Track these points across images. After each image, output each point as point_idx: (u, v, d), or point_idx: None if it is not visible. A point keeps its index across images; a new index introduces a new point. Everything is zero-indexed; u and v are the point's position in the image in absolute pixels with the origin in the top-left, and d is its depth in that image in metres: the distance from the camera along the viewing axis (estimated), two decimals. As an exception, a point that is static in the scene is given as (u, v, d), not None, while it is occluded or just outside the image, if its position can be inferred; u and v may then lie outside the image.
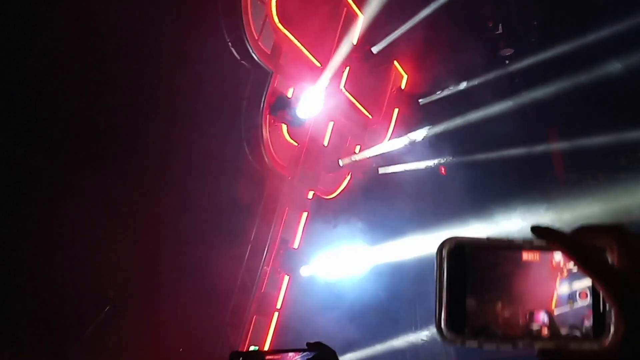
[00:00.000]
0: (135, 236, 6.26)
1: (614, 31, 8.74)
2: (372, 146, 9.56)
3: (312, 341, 1.68)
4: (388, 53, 9.22)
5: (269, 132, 7.52)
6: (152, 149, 6.57)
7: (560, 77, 9.72)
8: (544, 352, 0.73)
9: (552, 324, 0.74)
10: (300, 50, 7.97)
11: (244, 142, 7.39)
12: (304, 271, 8.07)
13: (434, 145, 9.74)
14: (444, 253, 0.72)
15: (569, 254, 0.74)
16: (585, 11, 9.21)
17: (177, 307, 6.33)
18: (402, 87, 10.19)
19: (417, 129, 9.21)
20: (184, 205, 6.74)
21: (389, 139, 9.87)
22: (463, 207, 10.30)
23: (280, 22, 7.55)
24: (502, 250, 0.74)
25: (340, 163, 8.71)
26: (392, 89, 9.93)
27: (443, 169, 10.46)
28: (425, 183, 9.94)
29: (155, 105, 6.55)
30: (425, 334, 9.93)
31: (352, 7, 8.76)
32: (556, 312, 0.74)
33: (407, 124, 10.04)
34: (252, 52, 7.15)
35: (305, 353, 1.65)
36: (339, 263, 8.43)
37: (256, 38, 7.16)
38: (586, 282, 0.76)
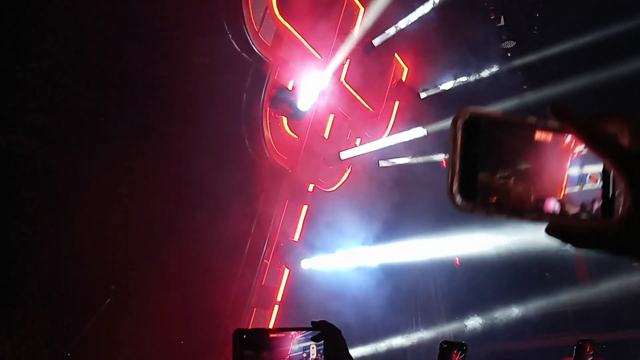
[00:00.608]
0: (136, 229, 6.27)
1: (617, 23, 8.70)
2: (373, 139, 9.55)
3: (316, 320, 1.69)
4: (389, 45, 9.18)
5: (269, 124, 7.51)
6: (152, 142, 6.56)
7: (564, 69, 9.67)
8: (552, 227, 0.75)
9: (562, 203, 0.75)
10: (301, 42, 7.94)
11: (244, 134, 7.38)
12: (305, 264, 8.07)
13: (435, 139, 9.71)
14: (459, 124, 0.73)
15: (581, 134, 0.74)
16: (590, 1, 9.15)
17: (178, 299, 6.35)
18: (403, 79, 10.16)
19: (417, 127, 9.17)
20: (184, 198, 6.74)
21: (390, 133, 9.85)
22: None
23: (280, 14, 7.52)
24: (516, 128, 0.75)
25: (341, 156, 8.69)
26: (392, 81, 9.89)
27: (445, 162, 10.45)
28: (426, 176, 9.92)
29: (155, 98, 6.54)
30: (425, 333, 9.97)
31: (353, -1, 8.74)
32: (566, 192, 0.75)
33: (408, 117, 10.01)
34: (253, 44, 7.12)
35: (309, 331, 1.66)
36: (339, 257, 8.43)
37: (256, 30, 7.14)
38: (597, 167, 0.77)
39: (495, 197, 0.72)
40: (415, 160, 9.83)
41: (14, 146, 5.68)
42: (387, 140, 9.30)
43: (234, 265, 7.40)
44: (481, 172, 0.72)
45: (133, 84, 6.35)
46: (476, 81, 10.17)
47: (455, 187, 0.72)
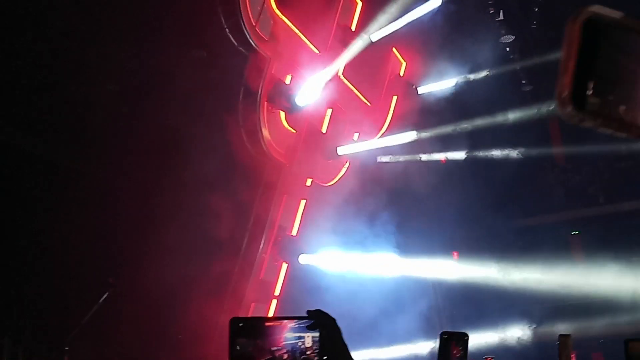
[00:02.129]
0: (135, 223, 6.28)
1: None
2: (371, 133, 9.55)
3: (312, 309, 1.70)
4: (387, 40, 9.16)
5: (267, 119, 7.50)
6: (149, 137, 6.56)
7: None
8: None
9: None
10: (298, 36, 7.93)
11: (241, 129, 7.37)
12: (303, 259, 8.08)
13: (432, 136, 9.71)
14: (578, 22, 0.69)
15: None
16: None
17: (176, 293, 6.36)
18: (401, 74, 10.15)
19: (410, 129, 9.16)
20: (182, 192, 6.74)
21: (388, 127, 9.85)
22: (463, 198, 10.32)
23: (278, 8, 7.51)
24: (636, 35, 0.70)
25: (339, 151, 8.68)
26: (390, 76, 9.88)
27: (444, 160, 10.45)
28: (424, 172, 9.93)
29: (152, 93, 6.53)
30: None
31: (350, -6, 8.71)
32: None
33: (406, 112, 10.01)
34: (250, 38, 7.10)
35: (305, 320, 1.67)
36: (337, 251, 8.44)
37: (254, 24, 7.11)
38: None
39: (606, 109, 0.68)
40: (413, 156, 9.83)
41: (13, 141, 5.68)
42: (384, 140, 9.28)
43: (232, 259, 7.41)
44: (595, 80, 0.68)
45: (129, 79, 6.34)
46: (474, 76, 10.16)
47: (566, 94, 0.68)
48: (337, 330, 1.69)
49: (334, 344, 1.68)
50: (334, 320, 1.70)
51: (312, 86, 7.92)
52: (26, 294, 5.51)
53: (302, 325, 1.66)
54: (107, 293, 5.40)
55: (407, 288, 9.76)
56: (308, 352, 1.66)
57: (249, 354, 1.62)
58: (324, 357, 1.66)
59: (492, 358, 5.84)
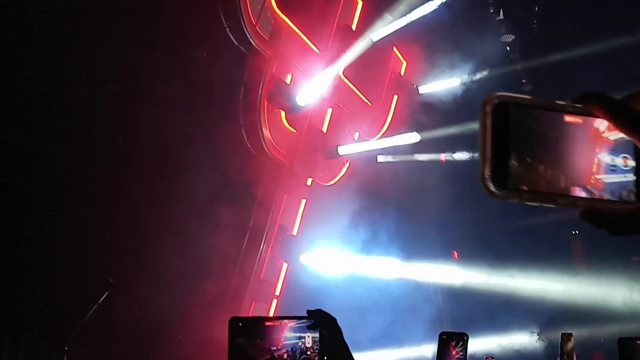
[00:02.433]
0: (135, 223, 6.26)
1: (615, 12, 8.67)
2: (371, 132, 9.54)
3: (312, 309, 1.69)
4: (387, 39, 9.15)
5: (267, 118, 7.49)
6: (149, 137, 6.55)
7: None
8: (586, 213, 0.73)
9: (594, 187, 0.74)
10: (299, 36, 7.91)
11: (241, 128, 7.36)
12: (303, 259, 8.07)
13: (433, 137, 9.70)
14: (488, 109, 0.71)
15: (608, 113, 0.73)
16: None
17: (177, 293, 6.35)
18: (402, 73, 10.13)
19: (412, 131, 9.13)
20: (182, 192, 6.73)
21: (388, 127, 9.83)
22: (463, 197, 10.29)
23: (278, 7, 7.50)
24: (545, 112, 0.73)
25: (339, 151, 8.66)
26: (391, 75, 9.87)
27: (444, 159, 10.43)
28: (424, 172, 9.92)
29: (152, 92, 6.52)
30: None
31: (351, -7, 8.70)
32: (598, 176, 0.74)
33: (407, 111, 10.00)
34: (250, 37, 7.10)
35: (305, 320, 1.66)
36: (338, 252, 8.43)
37: (254, 23, 7.11)
38: (628, 149, 0.76)
39: (528, 184, 0.71)
40: (413, 157, 9.81)
41: (12, 141, 5.67)
42: (384, 141, 9.26)
43: (232, 259, 7.39)
44: (513, 158, 0.70)
45: (129, 78, 6.33)
46: (474, 75, 10.14)
47: (487, 174, 0.70)
48: (338, 330, 1.68)
49: (334, 343, 1.66)
50: (335, 319, 1.69)
51: (313, 85, 7.91)
52: (26, 294, 5.49)
53: (302, 325, 1.64)
54: (106, 293, 5.38)
55: (408, 289, 9.75)
56: (308, 352, 1.64)
57: (249, 354, 1.60)
58: (325, 357, 1.64)
59: (492, 358, 5.82)
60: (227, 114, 7.32)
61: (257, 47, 7.24)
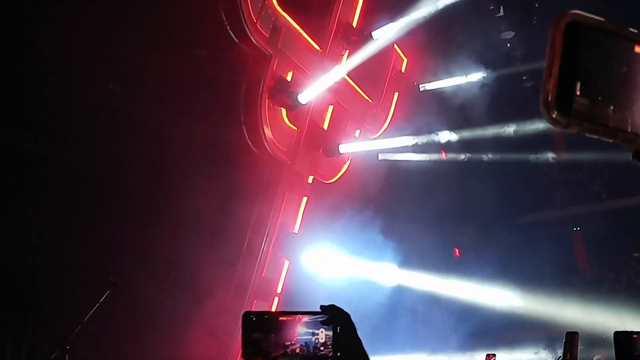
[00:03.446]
0: (136, 221, 6.25)
1: (615, 9, 8.65)
2: (372, 129, 9.53)
3: (325, 304, 1.67)
4: (388, 37, 9.11)
5: (268, 116, 7.47)
6: (151, 134, 6.53)
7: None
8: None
9: None
10: (300, 33, 7.89)
11: (243, 126, 7.34)
12: (305, 257, 8.06)
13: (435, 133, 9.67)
14: (561, 25, 0.68)
15: None
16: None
17: (178, 291, 6.34)
18: (403, 70, 10.11)
19: (413, 127, 9.12)
20: (184, 189, 6.71)
21: (389, 124, 9.82)
22: (464, 194, 10.29)
23: (279, 4, 7.47)
24: (618, 39, 0.70)
25: (340, 150, 8.64)
26: (392, 72, 9.85)
27: (444, 153, 10.41)
28: (426, 170, 9.90)
29: (153, 90, 6.50)
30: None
31: (351, -10, 8.67)
32: None
33: (407, 109, 9.98)
34: (251, 35, 7.07)
35: (319, 315, 1.64)
36: (339, 249, 8.42)
37: (255, 21, 7.08)
38: None
39: (591, 115, 0.68)
40: (414, 155, 9.78)
41: (12, 140, 5.66)
42: (385, 142, 9.24)
43: (234, 257, 7.38)
44: (579, 83, 0.67)
45: (131, 76, 6.31)
46: (475, 72, 10.12)
47: (551, 98, 0.67)
48: (351, 326, 1.66)
49: (348, 339, 1.65)
50: (348, 315, 1.67)
51: (314, 83, 7.89)
52: (28, 293, 5.48)
53: (316, 320, 1.63)
54: (108, 292, 5.36)
55: (407, 291, 9.70)
56: (322, 348, 1.63)
57: (263, 349, 1.59)
58: (338, 353, 1.63)
59: (494, 355, 5.82)
60: (228, 111, 7.30)
61: (258, 45, 7.22)
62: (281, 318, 1.63)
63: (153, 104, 6.40)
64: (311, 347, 1.61)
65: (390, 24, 8.67)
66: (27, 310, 5.53)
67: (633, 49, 0.70)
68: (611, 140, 0.70)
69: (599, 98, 0.68)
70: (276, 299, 7.78)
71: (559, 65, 0.67)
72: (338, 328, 1.64)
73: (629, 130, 0.70)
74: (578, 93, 0.67)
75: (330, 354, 1.62)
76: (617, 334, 3.59)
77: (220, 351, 6.76)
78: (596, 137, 0.69)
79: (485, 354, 5.52)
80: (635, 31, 0.71)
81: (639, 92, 0.70)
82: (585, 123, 0.68)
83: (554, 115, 0.67)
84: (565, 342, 3.90)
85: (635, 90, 0.70)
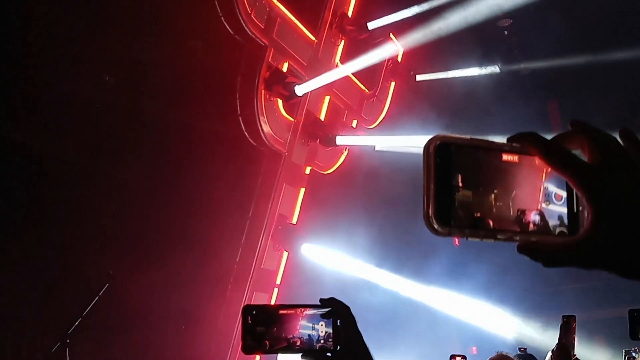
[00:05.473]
0: (134, 214, 6.24)
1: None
2: (369, 120, 9.51)
3: (325, 298, 1.68)
4: (384, 25, 9.08)
5: (265, 107, 7.44)
6: (147, 127, 6.51)
7: (561, 47, 9.62)
8: (522, 246, 0.77)
9: (529, 222, 0.79)
10: (295, 24, 7.86)
11: (239, 117, 7.32)
12: (304, 248, 8.06)
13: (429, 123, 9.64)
14: (431, 150, 0.76)
15: (541, 152, 0.77)
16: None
17: (177, 283, 6.34)
18: (399, 60, 10.07)
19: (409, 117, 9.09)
20: (180, 183, 6.70)
21: (386, 114, 9.80)
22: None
23: (273, -5, 7.43)
24: (484, 151, 0.78)
25: (337, 141, 8.61)
26: (388, 62, 9.81)
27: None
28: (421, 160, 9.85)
29: (148, 82, 6.47)
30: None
31: (347, -21, 8.62)
32: (533, 211, 0.79)
33: (404, 99, 9.96)
34: (246, 26, 7.03)
35: (318, 308, 1.65)
36: (338, 239, 8.41)
37: (249, 12, 7.04)
38: (561, 185, 0.81)
39: (469, 221, 0.75)
40: (410, 146, 9.75)
41: (11, 136, 5.64)
42: (382, 140, 9.21)
43: (232, 249, 7.39)
44: (454, 195, 0.75)
45: (125, 68, 6.28)
46: (473, 62, 10.09)
47: (431, 212, 0.74)
48: (351, 319, 1.67)
49: (348, 332, 1.65)
50: (348, 308, 1.68)
51: (310, 74, 7.86)
52: (27, 287, 5.48)
53: (315, 313, 1.63)
54: (106, 285, 5.37)
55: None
56: (322, 341, 1.63)
57: (263, 342, 1.59)
58: (338, 346, 1.63)
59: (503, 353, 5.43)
60: (223, 103, 7.28)
61: (253, 36, 7.18)
62: (281, 311, 1.63)
63: (148, 96, 6.37)
64: (311, 340, 1.62)
65: (387, 16, 8.64)
66: (26, 305, 5.54)
67: (501, 157, 0.79)
68: (493, 241, 0.77)
69: (475, 206, 0.75)
70: (275, 290, 7.80)
71: (434, 184, 0.74)
72: (338, 321, 1.64)
73: (508, 229, 0.77)
74: (454, 204, 0.74)
75: (331, 346, 1.63)
76: (632, 311, 3.61)
77: (220, 344, 6.79)
78: (478, 239, 0.76)
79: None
80: (500, 142, 0.79)
81: (511, 194, 0.78)
82: (465, 230, 0.75)
83: (435, 227, 0.74)
84: (561, 325, 3.84)
85: (508, 193, 0.78)
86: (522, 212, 0.78)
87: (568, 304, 10.57)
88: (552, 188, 0.81)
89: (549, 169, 0.79)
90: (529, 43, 10.43)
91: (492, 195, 0.76)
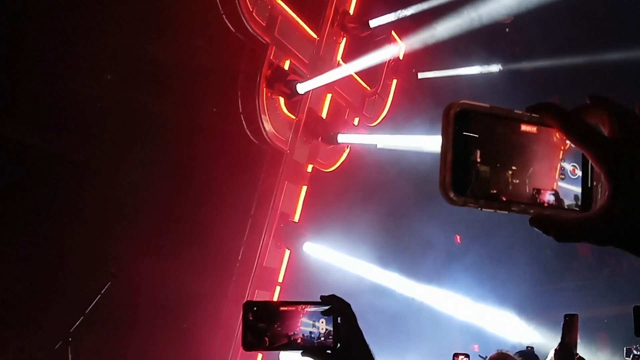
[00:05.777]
0: (136, 212, 6.25)
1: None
2: (371, 117, 9.50)
3: (326, 295, 1.67)
4: (386, 23, 9.06)
5: (267, 105, 7.44)
6: (150, 126, 6.52)
7: (562, 45, 9.60)
8: (535, 219, 0.76)
9: (544, 195, 0.78)
10: (296, 21, 7.85)
11: (240, 115, 7.32)
12: (306, 246, 8.06)
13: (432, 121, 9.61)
14: (450, 116, 0.75)
15: (559, 124, 0.76)
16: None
17: (179, 282, 6.35)
18: (401, 57, 10.05)
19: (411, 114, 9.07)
20: (182, 180, 6.71)
21: (388, 112, 9.78)
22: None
23: (275, -7, 7.42)
24: (504, 120, 0.77)
25: (339, 139, 8.60)
26: (390, 60, 9.79)
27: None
28: (424, 159, 9.86)
29: (151, 81, 6.48)
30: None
31: (348, -23, 8.61)
32: (549, 184, 0.78)
33: (406, 97, 9.94)
34: (247, 24, 7.03)
35: (319, 305, 1.64)
36: (340, 238, 8.41)
37: (251, 10, 7.04)
38: (578, 158, 0.80)
39: (485, 191, 0.74)
40: (411, 146, 9.74)
41: (12, 134, 5.64)
42: (383, 139, 9.19)
43: (235, 247, 7.40)
44: (471, 165, 0.74)
45: (128, 66, 6.28)
46: (474, 59, 10.08)
47: (447, 181, 0.74)
48: (352, 316, 1.67)
49: (349, 329, 1.65)
50: (349, 305, 1.67)
51: (311, 71, 7.85)
52: (30, 285, 5.49)
53: (316, 310, 1.63)
54: (109, 283, 5.38)
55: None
56: (322, 338, 1.63)
57: (264, 339, 1.59)
58: (338, 343, 1.63)
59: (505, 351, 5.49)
60: (225, 101, 7.28)
61: (255, 34, 7.18)
62: (282, 308, 1.63)
63: (149, 95, 6.37)
64: (312, 337, 1.61)
65: (389, 14, 8.61)
66: (28, 303, 5.55)
67: (519, 127, 0.77)
68: (507, 212, 0.76)
69: (491, 176, 0.75)
70: (277, 288, 7.80)
71: (452, 152, 0.74)
72: (338, 318, 1.64)
73: (522, 201, 0.76)
74: (472, 174, 0.74)
75: (331, 344, 1.63)
76: (637, 308, 3.60)
77: (222, 341, 6.79)
78: (492, 210, 0.75)
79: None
80: (520, 112, 0.78)
81: (528, 167, 0.77)
82: (480, 200, 0.74)
83: (451, 196, 0.73)
84: (563, 325, 3.81)
85: (524, 166, 0.77)
86: (537, 185, 0.77)
87: (571, 301, 10.55)
88: (569, 162, 0.79)
89: (567, 145, 0.78)
90: (531, 41, 10.41)
91: (507, 167, 0.76)
